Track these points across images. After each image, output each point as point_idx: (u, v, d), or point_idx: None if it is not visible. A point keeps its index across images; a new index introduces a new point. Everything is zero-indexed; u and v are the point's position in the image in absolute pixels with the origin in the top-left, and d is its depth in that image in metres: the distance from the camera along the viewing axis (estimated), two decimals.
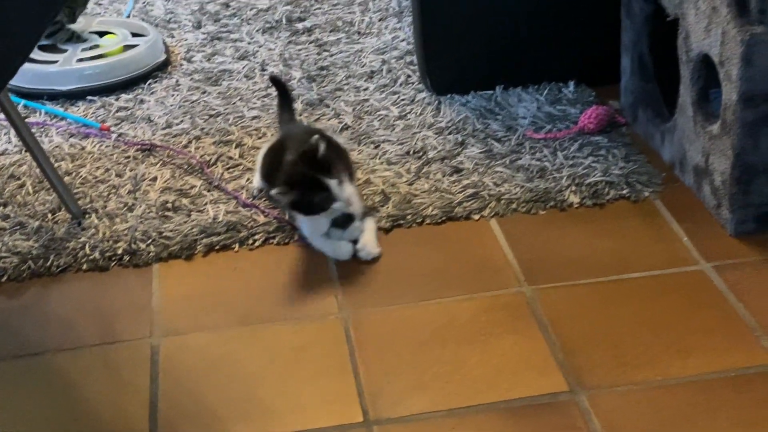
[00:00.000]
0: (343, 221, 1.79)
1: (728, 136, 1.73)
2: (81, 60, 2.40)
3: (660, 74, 2.06)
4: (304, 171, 1.72)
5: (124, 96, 2.34)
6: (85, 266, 1.79)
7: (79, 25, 2.50)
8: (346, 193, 1.74)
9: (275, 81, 2.11)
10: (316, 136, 1.75)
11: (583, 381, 1.50)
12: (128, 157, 2.10)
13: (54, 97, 2.33)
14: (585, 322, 1.62)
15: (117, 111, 2.28)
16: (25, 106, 2.29)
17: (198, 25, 2.66)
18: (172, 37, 2.61)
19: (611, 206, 1.89)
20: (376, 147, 2.09)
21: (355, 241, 1.80)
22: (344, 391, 1.51)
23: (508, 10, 2.22)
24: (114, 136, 2.17)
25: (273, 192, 1.74)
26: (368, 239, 1.80)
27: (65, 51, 2.43)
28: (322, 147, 1.72)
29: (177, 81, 2.40)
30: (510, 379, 1.52)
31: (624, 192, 1.91)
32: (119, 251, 1.81)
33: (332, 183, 1.72)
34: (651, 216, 1.86)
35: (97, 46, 2.44)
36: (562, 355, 1.55)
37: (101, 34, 2.51)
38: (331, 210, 1.74)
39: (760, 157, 1.72)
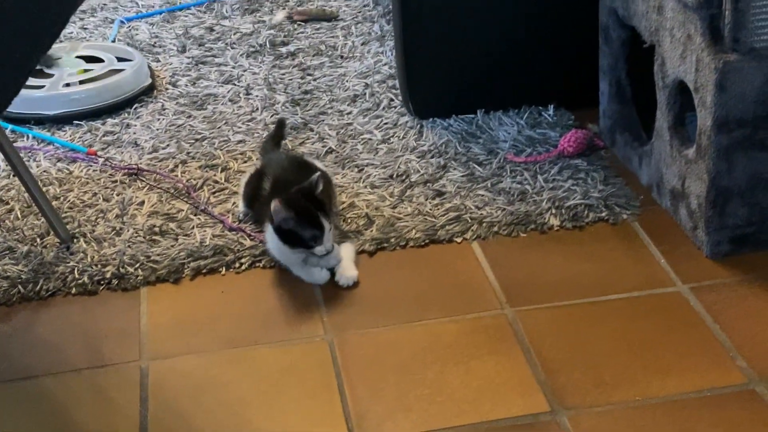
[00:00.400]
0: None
1: (703, 161, 1.78)
2: (68, 85, 2.42)
3: (637, 98, 2.11)
4: (306, 203, 1.76)
5: (110, 120, 2.37)
6: (74, 290, 1.81)
7: (64, 50, 2.53)
8: (331, 241, 1.78)
9: (279, 124, 2.18)
10: (317, 174, 1.80)
11: (564, 401, 1.54)
12: (115, 181, 2.12)
13: (41, 121, 2.36)
14: (565, 343, 1.66)
15: (104, 135, 2.30)
16: (13, 131, 2.32)
17: (183, 50, 2.69)
18: (158, 61, 2.64)
19: (590, 229, 1.93)
20: (359, 171, 2.12)
21: (332, 268, 1.83)
22: (331, 413, 1.54)
23: (489, 35, 2.26)
24: (101, 160, 2.19)
25: (272, 206, 1.75)
26: (346, 266, 1.82)
27: (52, 76, 2.45)
28: (320, 186, 1.77)
29: (163, 105, 2.43)
30: (492, 399, 1.55)
31: (603, 215, 1.95)
32: (108, 275, 1.83)
33: (326, 225, 1.76)
34: (629, 238, 1.90)
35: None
36: (543, 375, 1.59)
37: (87, 58, 2.54)
38: (312, 251, 1.78)
39: (735, 180, 1.77)
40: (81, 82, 2.43)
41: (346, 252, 1.85)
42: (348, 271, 1.82)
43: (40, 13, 1.26)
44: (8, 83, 1.30)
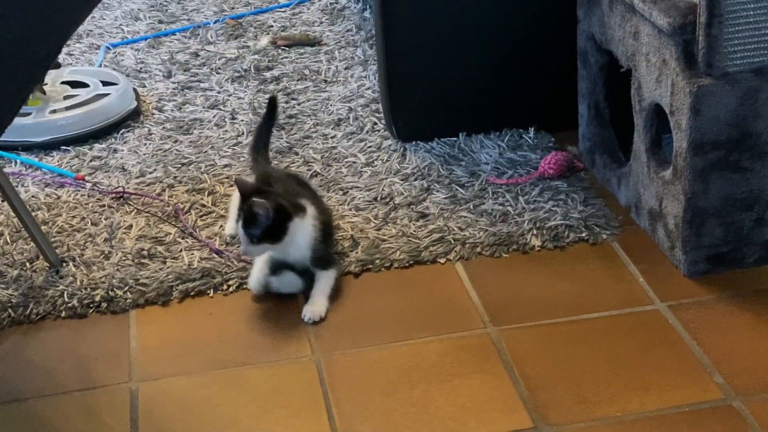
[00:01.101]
0: (278, 267, 1.85)
1: (680, 182, 1.82)
2: (54, 111, 2.45)
3: (615, 121, 2.16)
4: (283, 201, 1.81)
5: (97, 145, 2.40)
6: (63, 314, 1.84)
7: (49, 76, 2.56)
8: (295, 244, 1.81)
9: (272, 102, 2.18)
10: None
11: (546, 418, 1.57)
12: (103, 205, 2.15)
13: (28, 148, 2.38)
14: (548, 361, 1.69)
15: (91, 160, 2.33)
16: (1, 157, 2.34)
17: (168, 75, 2.73)
18: (144, 86, 2.68)
19: (571, 249, 1.97)
20: (344, 193, 2.16)
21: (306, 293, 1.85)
22: None
23: (470, 60, 2.31)
24: (89, 185, 2.22)
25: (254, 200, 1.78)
26: (315, 300, 1.81)
27: (39, 102, 2.48)
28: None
29: (149, 130, 2.46)
30: (477, 417, 1.58)
31: (583, 235, 1.99)
32: (97, 298, 1.86)
33: (295, 222, 1.80)
34: (609, 258, 1.94)
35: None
36: (526, 393, 1.62)
37: (73, 84, 2.56)
38: (270, 247, 1.80)
39: (710, 201, 1.82)
40: (67, 108, 2.46)
41: (322, 284, 1.84)
42: (314, 306, 1.80)
43: (37, 44, 1.29)
44: (5, 113, 1.33)
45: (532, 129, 2.34)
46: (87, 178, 2.25)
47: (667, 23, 1.76)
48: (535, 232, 2.00)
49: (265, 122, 2.19)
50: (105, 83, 2.57)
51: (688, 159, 1.79)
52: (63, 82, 2.57)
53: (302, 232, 1.83)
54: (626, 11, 1.94)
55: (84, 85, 2.56)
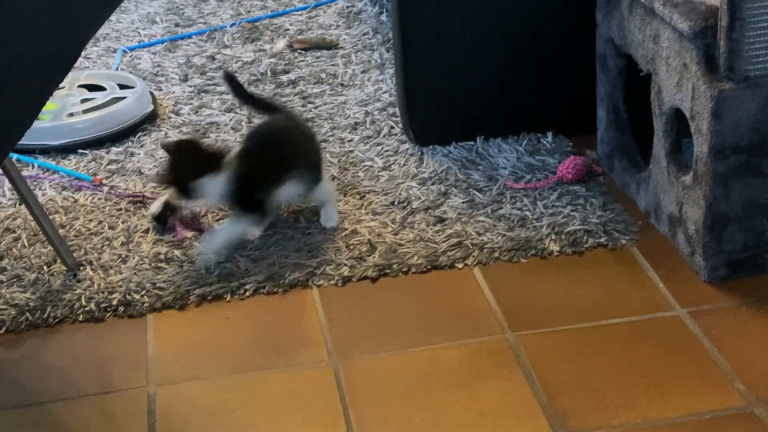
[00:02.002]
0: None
1: (700, 187, 1.81)
2: (71, 114, 2.45)
3: (634, 125, 2.15)
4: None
5: (114, 149, 2.40)
6: (81, 317, 1.84)
7: (66, 79, 2.56)
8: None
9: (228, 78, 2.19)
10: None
11: (566, 424, 1.56)
12: (120, 209, 2.15)
13: (46, 151, 2.38)
14: (567, 366, 1.68)
15: (108, 164, 2.33)
16: (18, 160, 2.34)
17: (185, 78, 2.73)
18: (160, 90, 2.68)
19: (590, 254, 1.96)
20: (361, 198, 2.15)
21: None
22: None
23: (488, 64, 2.30)
24: (106, 189, 2.22)
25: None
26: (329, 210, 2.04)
27: (55, 106, 2.49)
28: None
29: (166, 133, 2.46)
30: (495, 423, 1.57)
31: (602, 240, 1.98)
32: (114, 302, 1.86)
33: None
34: (628, 263, 1.93)
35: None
36: (545, 399, 1.61)
37: (89, 87, 2.57)
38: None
39: (731, 206, 1.80)
40: (84, 111, 2.46)
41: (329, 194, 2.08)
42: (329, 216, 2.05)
43: (56, 48, 1.29)
44: (24, 117, 1.33)
45: (550, 133, 2.33)
46: (104, 181, 2.25)
47: (688, 27, 1.75)
48: (553, 237, 1.99)
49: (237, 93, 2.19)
50: (122, 86, 2.57)
51: (708, 164, 1.77)
52: (80, 86, 2.57)
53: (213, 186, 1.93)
54: (646, 15, 1.92)
55: (101, 88, 2.57)
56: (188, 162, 1.93)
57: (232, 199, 1.96)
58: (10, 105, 1.28)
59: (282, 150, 2.00)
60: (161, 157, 2.35)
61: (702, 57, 1.75)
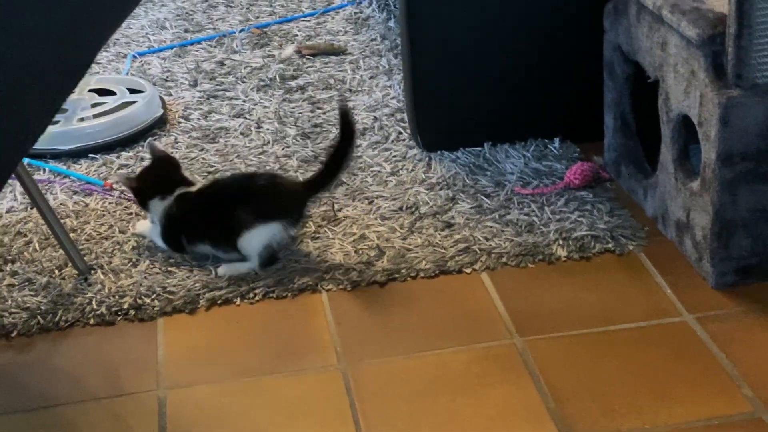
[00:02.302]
0: None
1: (708, 193, 1.82)
2: (82, 119, 2.47)
3: (642, 131, 2.16)
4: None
5: (124, 154, 2.41)
6: (92, 321, 1.85)
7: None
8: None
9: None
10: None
11: (573, 429, 1.57)
12: (130, 213, 2.17)
13: (56, 155, 2.40)
14: (574, 372, 1.69)
15: (118, 168, 2.35)
16: (30, 165, 2.36)
17: (194, 84, 2.75)
18: (170, 95, 2.69)
19: (597, 259, 1.97)
20: (370, 203, 2.16)
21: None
22: None
23: (495, 69, 2.31)
24: (117, 193, 2.23)
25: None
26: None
27: (66, 110, 2.50)
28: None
29: (176, 139, 2.48)
30: (503, 428, 1.58)
31: (609, 246, 1.99)
32: (125, 306, 1.87)
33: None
34: (635, 269, 1.94)
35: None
36: (552, 404, 1.62)
37: (100, 92, 2.58)
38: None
39: (739, 213, 1.81)
40: (95, 116, 2.48)
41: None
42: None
43: (69, 55, 1.31)
44: (37, 124, 1.35)
45: (558, 139, 2.34)
46: (114, 186, 2.27)
47: (696, 34, 1.76)
48: (560, 242, 2.00)
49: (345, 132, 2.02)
50: (132, 91, 2.58)
51: (716, 170, 1.78)
52: (90, 90, 2.58)
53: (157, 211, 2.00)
54: (654, 22, 1.93)
55: (111, 92, 2.58)
56: (154, 178, 2.02)
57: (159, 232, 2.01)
58: (24, 113, 1.30)
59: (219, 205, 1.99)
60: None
61: (710, 64, 1.76)
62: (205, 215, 1.97)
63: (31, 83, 1.28)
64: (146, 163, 2.04)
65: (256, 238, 1.93)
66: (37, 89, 1.30)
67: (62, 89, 1.34)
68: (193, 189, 2.02)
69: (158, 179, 2.02)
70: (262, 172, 2.21)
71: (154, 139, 2.44)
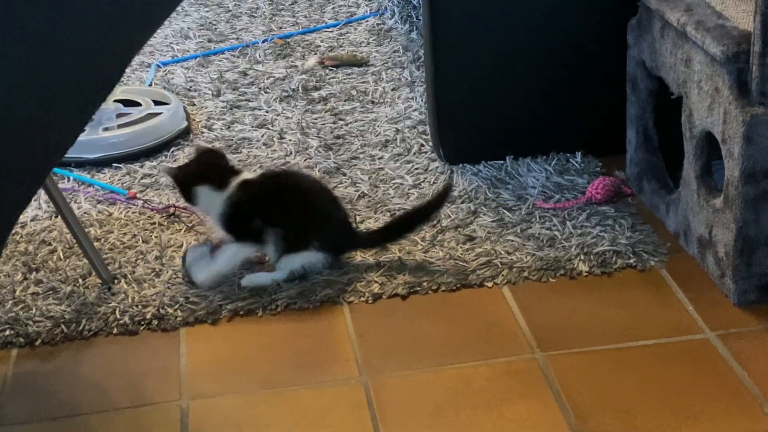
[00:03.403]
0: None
1: (731, 210, 1.82)
2: (106, 129, 2.49)
3: (664, 147, 2.16)
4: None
5: (148, 163, 2.43)
6: (115, 330, 1.86)
7: None
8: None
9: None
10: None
11: None
12: (154, 223, 2.18)
13: (81, 164, 2.42)
14: (596, 387, 1.69)
15: (142, 178, 2.37)
16: (54, 174, 2.38)
17: (217, 94, 2.76)
18: (193, 105, 2.71)
19: (618, 275, 1.97)
20: (392, 215, 2.17)
21: None
22: None
23: (518, 84, 2.32)
24: (140, 203, 2.25)
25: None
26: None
27: (91, 120, 2.51)
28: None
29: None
30: None
31: (631, 261, 1.99)
32: (148, 316, 1.88)
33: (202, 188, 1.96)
34: (657, 285, 1.94)
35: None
36: (574, 420, 1.62)
37: (125, 102, 2.60)
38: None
39: (762, 230, 1.81)
40: (119, 126, 2.50)
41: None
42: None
43: (99, 69, 1.33)
44: (68, 136, 1.37)
45: (579, 153, 2.34)
46: (138, 195, 2.28)
47: (720, 51, 1.76)
48: (582, 257, 2.00)
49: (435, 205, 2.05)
50: (156, 102, 2.60)
51: (739, 188, 1.78)
52: (116, 101, 2.60)
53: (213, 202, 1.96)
54: (678, 38, 1.94)
55: (136, 104, 2.60)
56: (200, 166, 1.98)
57: (223, 222, 1.96)
58: (57, 126, 1.32)
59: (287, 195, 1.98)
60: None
61: (734, 81, 1.76)
62: (280, 201, 1.96)
63: (64, 98, 1.30)
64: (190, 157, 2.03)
65: (303, 259, 1.94)
66: (71, 103, 1.32)
67: (94, 102, 1.36)
68: (253, 176, 1.99)
69: (206, 168, 1.97)
70: (331, 193, 2.07)
71: (188, 151, 2.45)
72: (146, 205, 2.24)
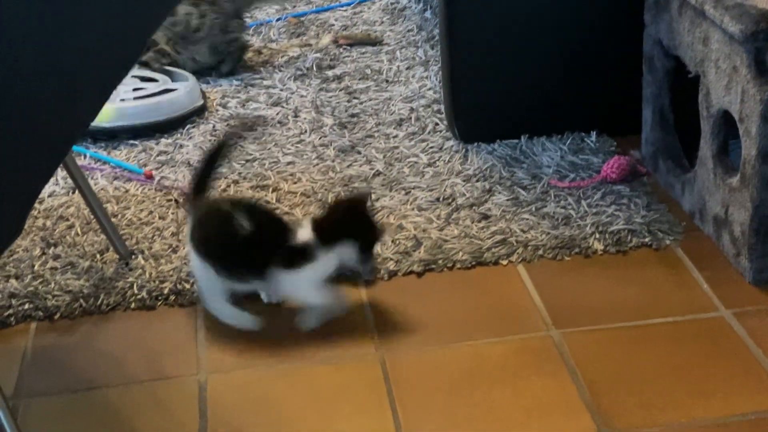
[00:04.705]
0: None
1: (747, 189, 1.82)
2: (123, 100, 2.50)
3: (680, 126, 2.16)
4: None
5: (163, 140, 2.44)
6: (133, 305, 1.87)
7: None
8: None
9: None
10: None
11: (610, 422, 1.58)
12: (170, 200, 2.19)
13: (96, 134, 2.42)
14: (610, 365, 1.70)
15: (157, 155, 2.37)
16: (72, 151, 2.38)
17: (232, 72, 2.76)
18: (208, 83, 2.72)
19: (634, 253, 1.97)
20: (406, 193, 2.18)
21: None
22: (383, 430, 1.59)
23: (533, 62, 2.32)
24: (156, 180, 2.26)
25: None
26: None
27: None
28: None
29: (213, 126, 2.50)
30: (540, 420, 1.59)
31: (646, 240, 1.99)
32: (165, 291, 1.90)
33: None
34: (672, 263, 1.94)
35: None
36: (589, 396, 1.63)
37: (143, 78, 2.61)
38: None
39: None
40: (135, 99, 2.51)
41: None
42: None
43: (122, 46, 1.34)
44: (90, 111, 1.38)
45: (594, 132, 2.34)
46: (154, 173, 2.29)
47: (739, 30, 1.76)
48: (597, 236, 2.00)
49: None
50: (174, 81, 2.60)
51: (756, 167, 1.78)
52: (134, 76, 2.60)
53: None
54: (696, 17, 1.93)
55: (153, 80, 2.60)
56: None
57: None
58: (78, 103, 1.33)
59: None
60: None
61: (752, 60, 1.76)
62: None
63: (87, 77, 1.31)
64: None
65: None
66: (93, 82, 1.33)
67: (115, 80, 1.37)
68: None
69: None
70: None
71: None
72: (160, 186, 2.24)
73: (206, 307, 1.83)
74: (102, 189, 2.24)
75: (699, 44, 1.93)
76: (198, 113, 2.54)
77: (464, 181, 2.21)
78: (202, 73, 2.72)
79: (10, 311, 1.85)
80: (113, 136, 2.43)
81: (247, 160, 2.34)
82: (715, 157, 1.94)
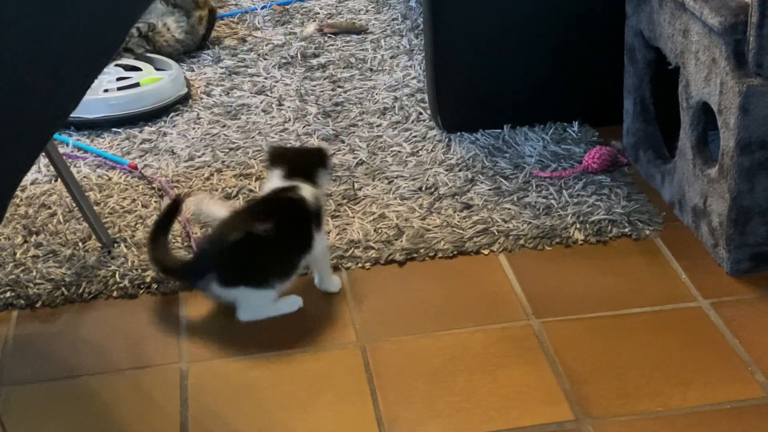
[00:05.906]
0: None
1: (726, 180, 1.83)
2: (106, 90, 2.50)
3: (661, 117, 2.17)
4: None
5: (147, 128, 2.44)
6: (115, 293, 1.88)
7: None
8: None
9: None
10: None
11: (588, 410, 1.60)
12: (153, 188, 2.19)
13: (80, 125, 2.42)
14: (590, 354, 1.72)
15: (141, 143, 2.38)
16: (54, 139, 2.38)
17: (216, 60, 2.76)
18: (192, 71, 2.71)
19: (614, 243, 1.99)
20: (389, 182, 2.19)
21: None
22: (363, 418, 1.60)
23: (516, 53, 2.33)
24: (140, 168, 2.26)
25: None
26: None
27: None
28: None
29: (198, 114, 2.50)
30: (519, 407, 1.61)
31: (626, 230, 2.01)
32: (147, 279, 1.90)
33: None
34: (651, 253, 1.96)
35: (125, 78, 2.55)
36: (568, 385, 1.65)
37: (126, 67, 2.60)
38: None
39: (756, 200, 1.83)
40: (119, 89, 2.50)
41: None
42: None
43: (103, 33, 1.34)
44: (70, 100, 1.38)
45: (576, 123, 2.35)
46: (137, 161, 2.29)
47: (718, 22, 1.77)
48: (578, 225, 2.02)
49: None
50: (157, 69, 2.60)
51: (734, 158, 1.80)
52: (117, 65, 2.60)
53: None
54: (676, 9, 1.94)
55: (137, 69, 2.60)
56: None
57: None
58: (61, 90, 1.33)
59: None
60: (192, 138, 2.39)
61: (731, 52, 1.77)
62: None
63: (70, 64, 1.31)
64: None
65: None
66: (76, 69, 1.33)
67: (98, 67, 1.37)
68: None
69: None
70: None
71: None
72: (144, 175, 2.23)
73: (252, 320, 1.81)
74: (85, 177, 2.24)
75: (679, 36, 1.95)
76: (182, 101, 2.53)
77: (447, 170, 2.22)
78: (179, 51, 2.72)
79: None
80: (98, 127, 2.42)
81: (231, 149, 2.34)
82: (695, 148, 1.95)
